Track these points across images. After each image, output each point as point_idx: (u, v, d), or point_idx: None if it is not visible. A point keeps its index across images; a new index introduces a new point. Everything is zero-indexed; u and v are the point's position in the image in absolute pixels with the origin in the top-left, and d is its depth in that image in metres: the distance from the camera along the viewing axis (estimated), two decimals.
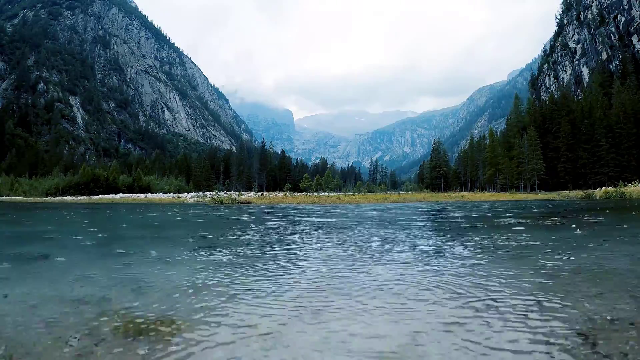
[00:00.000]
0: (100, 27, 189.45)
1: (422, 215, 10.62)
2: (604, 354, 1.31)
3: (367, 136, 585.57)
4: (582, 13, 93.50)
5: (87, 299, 2.08)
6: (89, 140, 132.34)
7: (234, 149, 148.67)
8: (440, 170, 75.80)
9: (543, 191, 46.59)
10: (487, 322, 1.64)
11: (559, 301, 1.93)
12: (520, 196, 31.08)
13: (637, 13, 77.40)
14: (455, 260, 3.19)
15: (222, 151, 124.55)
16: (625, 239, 4.77)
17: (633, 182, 30.19)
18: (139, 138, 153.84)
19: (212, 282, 2.47)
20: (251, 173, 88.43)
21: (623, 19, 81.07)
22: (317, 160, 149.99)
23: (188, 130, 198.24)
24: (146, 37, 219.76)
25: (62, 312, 1.84)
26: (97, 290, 2.26)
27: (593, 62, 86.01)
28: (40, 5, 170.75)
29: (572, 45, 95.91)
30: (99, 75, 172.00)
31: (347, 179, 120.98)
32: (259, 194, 44.63)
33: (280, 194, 43.56)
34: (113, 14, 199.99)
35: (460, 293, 2.12)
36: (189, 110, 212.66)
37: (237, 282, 2.48)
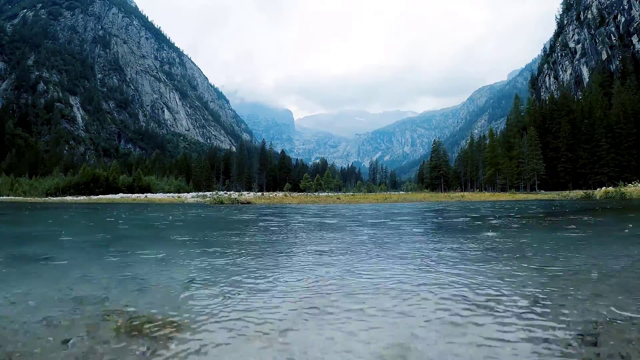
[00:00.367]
0: (100, 27, 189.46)
1: (422, 216, 10.62)
2: (604, 354, 1.30)
3: (367, 136, 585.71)
4: (582, 13, 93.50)
5: (87, 299, 2.08)
6: (89, 140, 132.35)
7: (234, 149, 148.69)
8: (440, 170, 75.82)
9: (543, 191, 46.59)
10: (486, 322, 1.64)
11: (558, 301, 1.93)
12: (520, 196, 31.08)
13: (637, 13, 77.39)
14: (454, 261, 3.19)
15: (222, 151, 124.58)
16: (625, 239, 4.77)
17: (633, 182, 30.19)
18: (139, 138, 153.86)
19: (212, 282, 2.47)
20: (251, 173, 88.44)
21: (623, 19, 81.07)
22: (317, 160, 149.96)
23: (188, 130, 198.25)
24: (146, 37, 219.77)
25: (62, 312, 1.84)
26: (97, 290, 2.26)
27: (593, 62, 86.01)
28: (40, 5, 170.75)
29: (572, 45, 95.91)
30: (99, 75, 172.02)
31: (347, 179, 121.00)
32: (259, 194, 44.64)
33: (280, 194, 43.56)
34: (113, 14, 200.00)
35: (460, 293, 2.12)
36: (189, 110, 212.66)
37: (237, 282, 2.48)
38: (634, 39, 77.11)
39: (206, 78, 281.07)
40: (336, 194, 52.23)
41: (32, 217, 11.81)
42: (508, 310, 1.80)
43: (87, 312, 1.84)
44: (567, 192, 37.29)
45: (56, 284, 2.48)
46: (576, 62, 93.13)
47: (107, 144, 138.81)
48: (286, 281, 2.49)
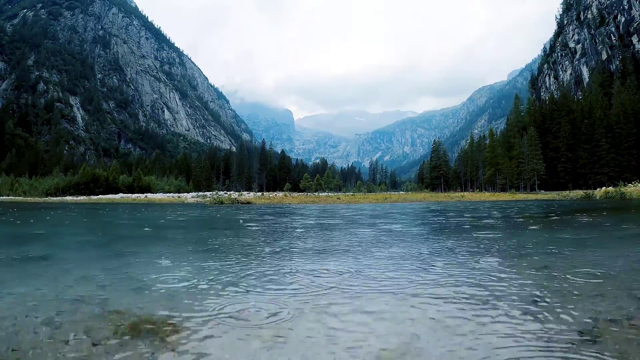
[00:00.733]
0: (100, 27, 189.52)
1: (421, 216, 10.63)
2: (604, 354, 1.30)
3: (367, 136, 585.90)
4: (582, 13, 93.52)
5: (87, 299, 2.08)
6: (89, 140, 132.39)
7: (234, 149, 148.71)
8: (440, 170, 75.85)
9: (543, 191, 46.59)
10: (486, 322, 1.64)
11: (558, 301, 1.93)
12: (520, 196, 31.08)
13: (637, 13, 77.41)
14: (454, 261, 3.19)
15: (222, 151, 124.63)
16: (625, 239, 4.77)
17: (633, 182, 30.19)
18: (139, 138, 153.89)
19: (212, 282, 2.47)
20: (251, 173, 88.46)
21: (623, 19, 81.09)
22: (317, 160, 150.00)
23: (188, 130, 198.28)
24: (146, 37, 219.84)
25: (62, 312, 1.84)
26: (97, 290, 2.26)
27: (593, 62, 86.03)
28: (40, 5, 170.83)
29: (572, 45, 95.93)
30: (99, 75, 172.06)
31: (347, 179, 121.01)
32: (259, 194, 44.64)
33: (280, 194, 43.55)
34: (113, 14, 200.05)
35: (460, 293, 2.12)
36: (189, 110, 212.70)
37: (237, 282, 2.48)
38: (634, 39, 77.13)
39: (206, 78, 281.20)
40: (336, 194, 52.24)
41: (32, 217, 11.81)
42: (508, 310, 1.79)
43: (87, 312, 1.84)
44: (567, 192, 37.30)
45: (56, 284, 2.48)
46: (576, 62, 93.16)
47: (107, 144, 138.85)
48: (286, 281, 2.49)
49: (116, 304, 1.97)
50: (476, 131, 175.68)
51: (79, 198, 40.29)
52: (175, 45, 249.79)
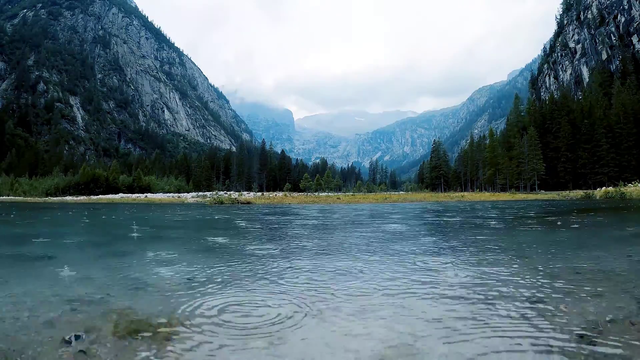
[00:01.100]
0: (100, 27, 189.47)
1: (421, 216, 10.62)
2: (604, 354, 1.31)
3: (367, 136, 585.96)
4: (582, 13, 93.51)
5: (87, 299, 2.08)
6: (89, 140, 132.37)
7: (234, 149, 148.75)
8: (440, 170, 75.86)
9: (543, 191, 46.59)
10: (486, 321, 1.64)
11: (558, 301, 1.93)
12: (520, 196, 31.08)
13: (637, 13, 77.41)
14: (454, 260, 3.19)
15: (222, 151, 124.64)
16: (625, 239, 4.77)
17: (633, 182, 30.17)
18: (139, 138, 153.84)
19: (212, 282, 2.47)
20: (251, 173, 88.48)
21: (623, 19, 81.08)
22: (317, 160, 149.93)
23: (188, 130, 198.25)
24: (146, 37, 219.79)
25: (62, 312, 1.84)
26: (97, 290, 2.26)
27: (593, 62, 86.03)
28: (40, 5, 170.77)
29: (572, 45, 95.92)
30: (99, 75, 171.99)
31: (347, 179, 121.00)
32: (259, 194, 44.64)
33: (280, 194, 43.55)
34: (113, 14, 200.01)
35: (460, 293, 2.12)
36: (189, 110, 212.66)
37: (237, 282, 2.48)
38: (634, 39, 77.13)
39: (206, 78, 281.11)
40: (336, 194, 52.24)
41: (32, 217, 11.81)
42: (508, 310, 1.79)
43: (87, 312, 1.84)
44: (567, 192, 37.30)
45: (56, 284, 2.48)
46: (576, 62, 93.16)
47: (107, 144, 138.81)
48: (286, 281, 2.49)
49: (116, 304, 1.97)
50: (476, 131, 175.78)
51: (79, 198, 40.29)
52: (175, 45, 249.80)
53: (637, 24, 76.99)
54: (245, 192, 47.56)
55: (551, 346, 1.38)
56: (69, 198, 42.00)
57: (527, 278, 2.48)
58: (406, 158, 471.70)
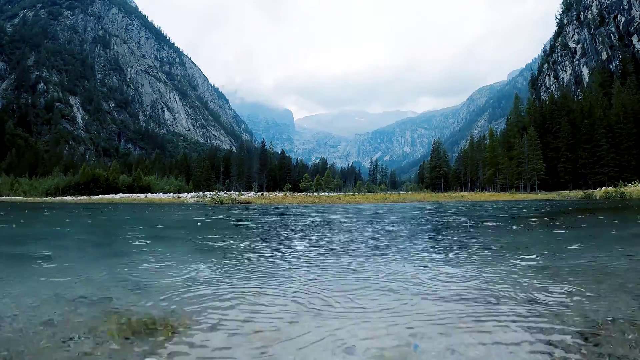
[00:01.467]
0: (100, 27, 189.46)
1: (421, 216, 10.62)
2: (604, 354, 1.30)
3: (367, 136, 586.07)
4: (582, 13, 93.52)
5: (87, 299, 2.08)
6: (89, 140, 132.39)
7: (234, 149, 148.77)
8: (440, 170, 75.87)
9: (543, 191, 46.59)
10: (486, 321, 1.64)
11: (558, 301, 1.93)
12: (520, 196, 31.07)
13: (637, 13, 77.40)
14: (454, 260, 3.19)
15: (222, 151, 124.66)
16: (625, 239, 4.77)
17: (633, 182, 30.17)
18: (139, 138, 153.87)
19: (211, 282, 2.47)
20: (251, 173, 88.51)
21: (623, 19, 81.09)
22: (317, 160, 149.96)
23: (188, 130, 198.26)
24: (146, 37, 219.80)
25: (62, 312, 1.84)
26: (97, 290, 2.26)
27: (593, 62, 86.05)
28: (40, 5, 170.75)
29: (572, 45, 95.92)
30: (99, 75, 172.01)
31: (347, 179, 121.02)
32: (259, 194, 44.63)
33: (280, 194, 43.55)
34: (113, 14, 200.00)
35: (460, 293, 2.12)
36: (189, 110, 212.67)
37: (236, 282, 2.48)
38: (634, 39, 77.13)
39: (206, 78, 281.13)
40: (336, 194, 52.23)
41: (32, 217, 11.81)
42: (508, 310, 1.79)
43: (87, 312, 1.84)
44: (567, 192, 37.31)
45: (56, 284, 2.48)
46: (576, 62, 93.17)
47: (107, 144, 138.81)
48: (286, 281, 2.49)
49: (116, 304, 1.97)
50: (476, 131, 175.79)
51: (79, 198, 40.28)
52: (175, 45, 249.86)
53: (637, 24, 76.99)
54: (245, 192, 47.55)
55: (551, 346, 1.37)
56: (69, 198, 41.98)
57: (526, 277, 2.48)
58: (406, 158, 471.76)
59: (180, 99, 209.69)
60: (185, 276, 2.66)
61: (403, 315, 1.75)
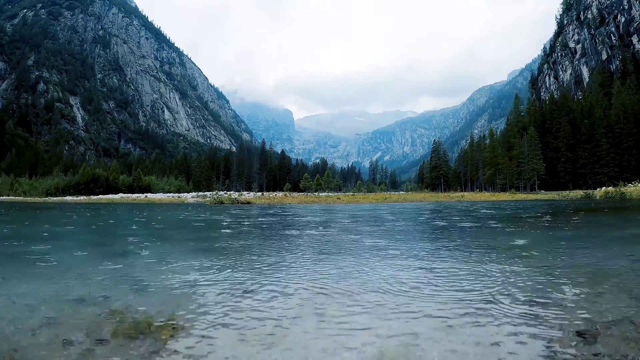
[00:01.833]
0: (100, 27, 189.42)
1: (421, 216, 10.62)
2: (604, 354, 1.31)
3: (367, 136, 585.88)
4: (582, 13, 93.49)
5: (87, 299, 2.08)
6: (89, 140, 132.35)
7: (234, 149, 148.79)
8: (440, 170, 75.84)
9: (543, 191, 46.58)
10: (486, 322, 1.64)
11: (558, 301, 1.93)
12: (520, 196, 31.06)
13: (637, 13, 77.39)
14: (454, 260, 3.19)
15: (222, 151, 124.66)
16: (625, 239, 4.77)
17: (633, 182, 30.15)
18: (139, 138, 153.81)
19: (211, 282, 2.47)
20: (251, 173, 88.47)
21: (623, 19, 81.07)
22: (317, 160, 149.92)
23: (188, 130, 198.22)
24: (146, 37, 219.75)
25: (62, 312, 1.84)
26: (97, 290, 2.26)
27: (593, 62, 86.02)
28: (40, 5, 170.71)
29: (572, 45, 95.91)
30: (99, 75, 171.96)
31: (347, 179, 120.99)
32: (259, 194, 44.63)
33: (280, 194, 43.55)
34: (113, 14, 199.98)
35: (460, 293, 2.12)
36: (189, 110, 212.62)
37: (237, 282, 2.48)
38: (634, 39, 77.11)
39: (206, 78, 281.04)
40: (336, 194, 52.23)
41: (32, 217, 11.81)
42: (508, 310, 1.80)
43: (87, 312, 1.84)
44: (567, 192, 37.30)
45: (56, 284, 2.48)
46: (576, 62, 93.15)
47: (107, 144, 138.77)
48: (286, 281, 2.49)
49: (116, 304, 1.97)
50: (476, 131, 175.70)
51: (79, 198, 40.27)
52: (175, 45, 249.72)
53: (637, 24, 76.98)
54: (245, 192, 47.54)
55: (551, 346, 1.38)
56: (69, 198, 41.98)
57: (526, 277, 2.48)
58: (406, 158, 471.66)
59: (180, 99, 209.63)
60: (185, 276, 2.66)
61: (404, 315, 1.75)
